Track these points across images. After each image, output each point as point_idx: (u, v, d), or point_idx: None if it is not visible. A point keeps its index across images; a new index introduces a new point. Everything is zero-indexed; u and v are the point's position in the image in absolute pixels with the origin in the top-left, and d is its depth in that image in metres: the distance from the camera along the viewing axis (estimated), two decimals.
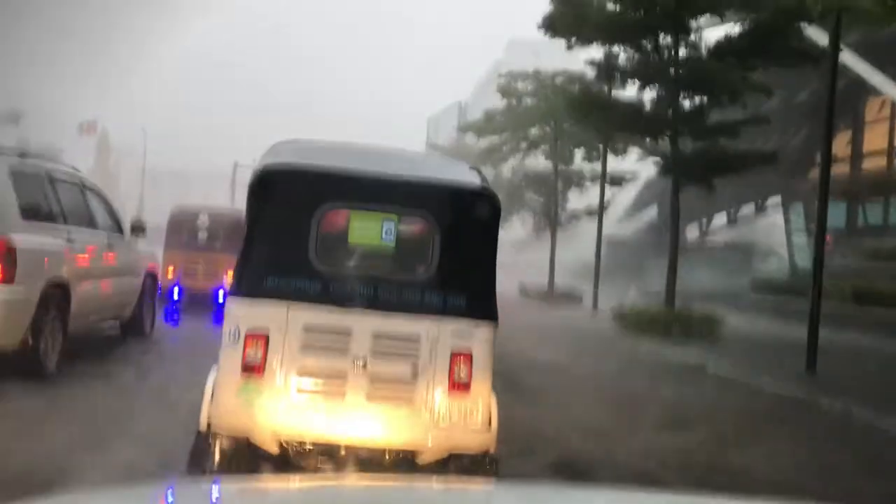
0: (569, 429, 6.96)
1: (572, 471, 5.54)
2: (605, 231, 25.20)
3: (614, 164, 24.55)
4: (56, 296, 7.31)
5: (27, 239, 6.98)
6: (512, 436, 4.85)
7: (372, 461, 4.22)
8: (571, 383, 9.62)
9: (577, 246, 45.22)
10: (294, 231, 4.33)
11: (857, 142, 30.79)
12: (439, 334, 4.23)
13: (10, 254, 6.66)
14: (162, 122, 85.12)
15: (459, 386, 4.20)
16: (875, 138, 30.17)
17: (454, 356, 4.22)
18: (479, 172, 4.99)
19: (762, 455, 6.34)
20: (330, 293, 4.27)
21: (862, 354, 13.82)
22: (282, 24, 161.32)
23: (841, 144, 29.61)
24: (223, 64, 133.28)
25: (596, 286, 22.17)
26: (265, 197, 4.44)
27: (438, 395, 4.19)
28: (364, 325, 4.21)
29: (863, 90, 27.22)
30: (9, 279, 6.64)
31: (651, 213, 39.71)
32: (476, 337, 4.26)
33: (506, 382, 6.97)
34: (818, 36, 15.75)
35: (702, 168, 15.89)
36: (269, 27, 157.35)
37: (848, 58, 20.63)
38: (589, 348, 13.70)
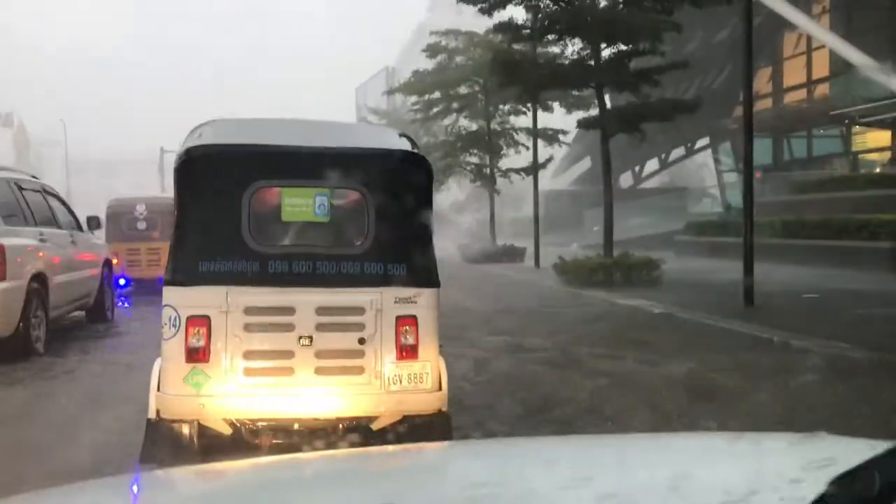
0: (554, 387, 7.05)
1: None
2: (542, 186, 25.39)
3: (543, 119, 24.67)
4: (37, 289, 8.50)
5: (11, 241, 8.09)
6: None
7: (326, 431, 4.31)
8: (528, 338, 9.73)
9: (516, 203, 45.56)
10: (225, 213, 4.27)
11: (777, 77, 31.54)
12: (383, 303, 4.27)
13: (2, 253, 7.79)
14: (81, 111, 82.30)
15: (407, 351, 4.28)
16: (794, 73, 30.95)
17: (399, 323, 4.28)
18: (409, 138, 4.93)
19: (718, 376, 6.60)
20: (268, 273, 4.24)
21: (795, 284, 14.31)
22: (204, 3, 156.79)
23: (762, 81, 30.32)
24: (145, 43, 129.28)
25: (536, 241, 22.38)
26: (192, 180, 4.37)
27: (387, 362, 4.26)
28: (306, 301, 4.24)
29: (779, 26, 27.77)
30: (2, 276, 7.79)
31: (585, 164, 40.15)
32: (419, 302, 4.32)
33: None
34: None
35: (627, 117, 16.09)
36: (190, 4, 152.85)
37: None
38: (536, 303, 13.88)
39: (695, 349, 8.59)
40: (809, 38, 28.35)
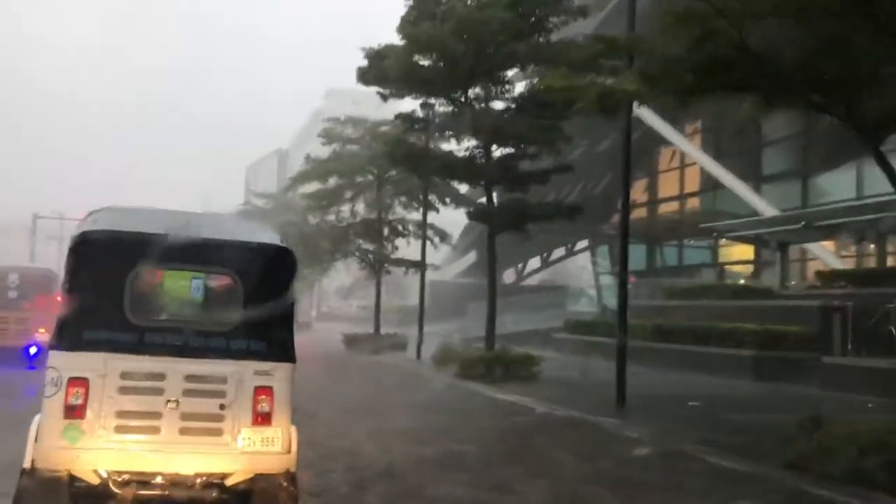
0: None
1: None
2: (429, 277, 25.69)
3: (432, 217, 25.21)
4: None
5: None
6: None
7: (185, 485, 4.80)
8: (395, 441, 9.66)
9: (403, 291, 45.75)
10: (111, 290, 4.81)
11: (653, 188, 33.54)
12: (244, 375, 4.86)
13: None
14: None
15: (262, 418, 4.85)
16: (669, 185, 33.02)
17: (257, 393, 4.86)
18: (278, 233, 5.69)
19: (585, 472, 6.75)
20: (144, 343, 4.78)
21: (663, 386, 14.91)
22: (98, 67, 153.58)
23: (639, 191, 32.16)
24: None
25: (420, 332, 22.46)
26: (85, 259, 4.92)
27: (244, 427, 4.82)
28: (176, 369, 4.78)
29: (657, 141, 29.72)
30: None
31: (471, 257, 40.94)
32: (276, 376, 4.92)
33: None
34: None
35: (513, 214, 16.70)
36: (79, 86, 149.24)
37: (642, 111, 22.50)
38: (412, 396, 13.85)
39: (570, 444, 8.78)
40: (683, 155, 30.44)
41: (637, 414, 10.91)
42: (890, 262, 20.61)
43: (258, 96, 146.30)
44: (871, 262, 21.25)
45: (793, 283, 23.36)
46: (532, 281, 42.96)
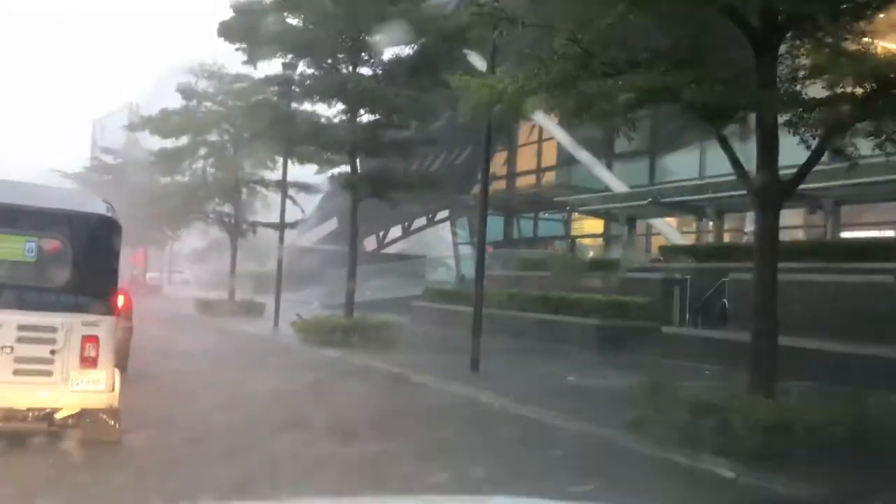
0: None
1: None
2: (288, 242, 25.22)
3: (295, 173, 24.69)
4: None
5: None
6: None
7: (18, 418, 5.77)
8: (250, 410, 9.50)
9: (261, 257, 44.83)
10: None
11: (511, 162, 34.32)
12: (72, 325, 5.78)
13: None
14: None
15: (88, 361, 5.80)
16: (527, 159, 33.90)
17: (84, 340, 5.80)
18: (107, 202, 6.45)
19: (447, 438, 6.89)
20: None
21: (516, 354, 15.43)
22: None
23: (498, 164, 32.81)
24: None
25: (277, 298, 22.07)
26: None
27: (72, 369, 5.76)
28: (10, 320, 5.71)
29: (515, 115, 30.32)
30: None
31: (332, 223, 40.55)
32: (100, 326, 5.87)
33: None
34: (480, 63, 17.31)
35: (377, 182, 16.65)
36: None
37: None
38: (260, 358, 13.67)
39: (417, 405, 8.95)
40: (541, 130, 31.28)
41: (488, 379, 11.24)
42: (726, 238, 22.09)
43: (112, 48, 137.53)
44: (710, 239, 22.72)
45: (639, 256, 24.63)
46: (393, 249, 43.11)
